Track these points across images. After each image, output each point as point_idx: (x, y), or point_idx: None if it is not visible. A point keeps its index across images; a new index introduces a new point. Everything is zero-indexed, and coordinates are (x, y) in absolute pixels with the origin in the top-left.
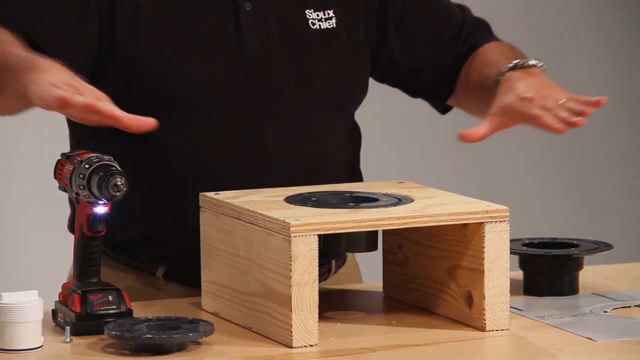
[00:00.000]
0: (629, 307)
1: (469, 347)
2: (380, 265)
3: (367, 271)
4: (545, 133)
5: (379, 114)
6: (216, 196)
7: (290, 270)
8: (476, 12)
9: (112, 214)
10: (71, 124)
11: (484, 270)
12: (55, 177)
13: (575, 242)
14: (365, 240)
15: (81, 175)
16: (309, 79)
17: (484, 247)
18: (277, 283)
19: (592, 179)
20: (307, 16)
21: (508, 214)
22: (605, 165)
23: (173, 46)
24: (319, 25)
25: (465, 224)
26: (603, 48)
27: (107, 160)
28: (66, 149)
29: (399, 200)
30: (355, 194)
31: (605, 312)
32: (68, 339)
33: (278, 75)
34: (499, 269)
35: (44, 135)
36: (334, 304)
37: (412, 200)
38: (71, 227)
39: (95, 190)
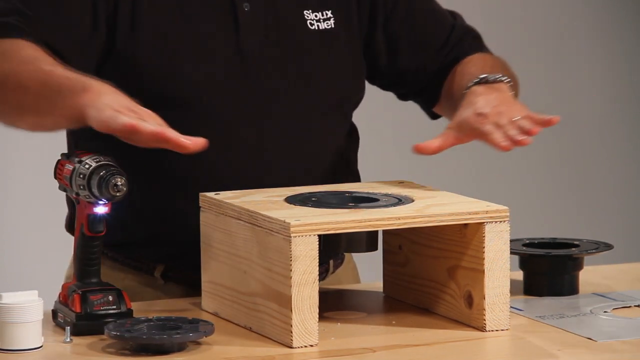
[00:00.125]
0: (629, 307)
1: (469, 347)
2: (380, 265)
3: (367, 271)
4: (546, 133)
5: (379, 114)
6: (216, 196)
7: (291, 270)
8: (476, 12)
9: (111, 214)
10: None
11: (484, 270)
12: (55, 177)
13: (575, 242)
14: (365, 240)
15: (81, 175)
16: (308, 79)
17: (484, 247)
18: (277, 283)
19: (592, 179)
20: (306, 17)
21: (508, 214)
22: (605, 165)
23: (173, 46)
24: (317, 25)
25: (466, 224)
26: (603, 48)
27: (107, 160)
28: (66, 148)
29: (399, 200)
30: (355, 194)
31: (605, 312)
32: (68, 339)
33: (277, 75)
34: (499, 269)
35: (44, 135)
36: (334, 304)
37: (412, 200)
38: (69, 227)
39: (95, 190)
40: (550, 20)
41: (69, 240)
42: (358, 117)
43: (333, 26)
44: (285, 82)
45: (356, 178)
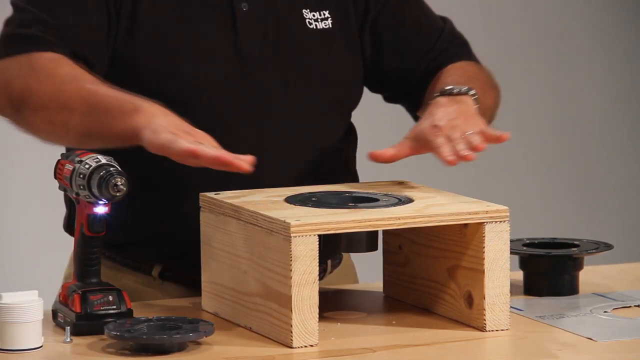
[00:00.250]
0: (629, 307)
1: (469, 347)
2: (380, 265)
3: (367, 271)
4: (546, 133)
5: (378, 113)
6: (216, 196)
7: (291, 270)
8: (476, 12)
9: (111, 214)
10: None
11: (484, 271)
12: (55, 177)
13: (575, 242)
14: (365, 241)
15: (81, 175)
16: (308, 79)
17: (484, 247)
18: (277, 283)
19: (592, 179)
20: (304, 16)
21: (508, 214)
22: (605, 165)
23: (173, 46)
24: (315, 25)
25: (466, 224)
26: (603, 48)
27: (107, 161)
28: (66, 148)
29: (399, 200)
30: (355, 194)
31: (605, 312)
32: (68, 339)
33: (276, 75)
34: (499, 269)
35: None
36: (334, 304)
37: (412, 200)
38: (67, 228)
39: (95, 191)
40: (550, 20)
41: (69, 240)
42: (356, 116)
43: (330, 26)
44: (284, 82)
45: (354, 178)
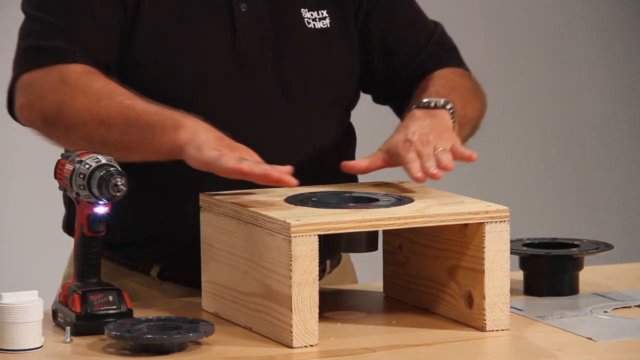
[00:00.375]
0: (629, 307)
1: (469, 347)
2: (380, 265)
3: (367, 271)
4: (546, 133)
5: (379, 113)
6: (216, 196)
7: (291, 270)
8: (476, 12)
9: (111, 214)
10: None
11: (484, 271)
12: (56, 177)
13: (575, 242)
14: (366, 240)
15: (81, 175)
16: (307, 79)
17: (484, 247)
18: (277, 283)
19: (592, 179)
20: (303, 15)
21: (508, 214)
22: (605, 165)
23: (173, 46)
24: (314, 25)
25: (466, 224)
26: (603, 48)
27: (107, 160)
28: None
29: (399, 200)
30: (355, 194)
31: (605, 312)
32: (68, 339)
33: (276, 75)
34: (499, 269)
35: None
36: (334, 304)
37: (412, 200)
38: (66, 228)
39: (95, 191)
40: (550, 20)
41: (69, 240)
42: (356, 116)
43: (329, 25)
44: (283, 82)
45: (354, 177)
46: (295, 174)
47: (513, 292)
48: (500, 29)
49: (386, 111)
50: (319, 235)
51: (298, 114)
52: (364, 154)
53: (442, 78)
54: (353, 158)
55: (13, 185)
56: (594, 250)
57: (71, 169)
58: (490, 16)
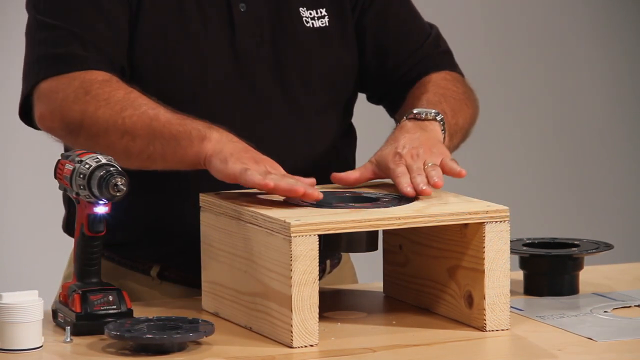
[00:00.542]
0: (629, 307)
1: (469, 347)
2: (380, 265)
3: (367, 271)
4: (546, 133)
5: (379, 114)
6: (216, 196)
7: (291, 270)
8: (476, 12)
9: (110, 214)
10: None
11: (484, 270)
12: (56, 177)
13: (575, 242)
14: (366, 240)
15: (81, 175)
16: (306, 78)
17: (484, 247)
18: (277, 283)
19: (592, 179)
20: (302, 14)
21: (508, 214)
22: (605, 165)
23: (172, 46)
24: (312, 24)
25: (466, 224)
26: (603, 48)
27: (107, 160)
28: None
29: (399, 200)
30: (355, 194)
31: (605, 312)
32: (68, 339)
33: (275, 75)
34: (499, 269)
35: (44, 136)
36: (334, 304)
37: (412, 200)
38: (66, 228)
39: (95, 190)
40: (550, 21)
41: (69, 241)
42: (356, 116)
43: (327, 24)
44: (283, 82)
45: None
46: (294, 174)
47: (513, 292)
48: (500, 29)
49: (386, 111)
50: (319, 235)
51: (297, 113)
52: (364, 154)
53: (435, 85)
54: (353, 158)
55: (13, 185)
56: (594, 250)
57: (71, 168)
58: (490, 16)
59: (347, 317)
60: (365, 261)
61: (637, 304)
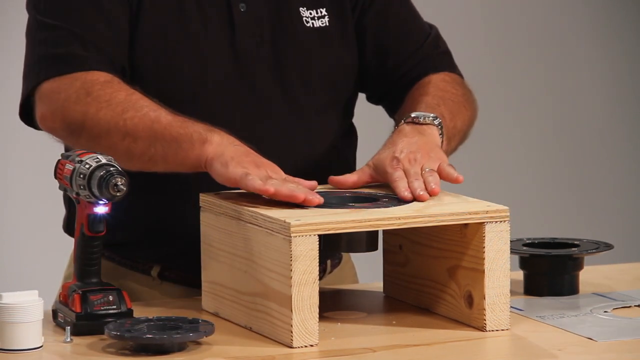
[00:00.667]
0: (629, 307)
1: (469, 347)
2: (380, 265)
3: (367, 271)
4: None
5: (379, 114)
6: (216, 196)
7: (291, 270)
8: (476, 12)
9: (110, 214)
10: None
11: (484, 270)
12: (56, 177)
13: (575, 242)
14: (366, 240)
15: (81, 175)
16: (306, 78)
17: (484, 247)
18: (277, 283)
19: (592, 179)
20: (302, 14)
21: (508, 214)
22: (605, 165)
23: (172, 46)
24: (312, 23)
25: (466, 224)
26: (603, 48)
27: (107, 160)
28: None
29: (399, 201)
30: (355, 194)
31: (605, 312)
32: (68, 339)
33: (275, 75)
34: (499, 269)
35: (44, 135)
36: (334, 304)
37: (412, 200)
38: (66, 228)
39: (95, 190)
40: (550, 21)
41: (69, 241)
42: (356, 116)
43: (327, 24)
44: (283, 82)
45: None
46: (295, 173)
47: (513, 292)
48: (500, 29)
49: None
50: (319, 235)
51: (298, 113)
52: (365, 155)
53: (433, 87)
54: (354, 159)
55: (13, 185)
56: (594, 250)
57: (71, 168)
58: (490, 16)
59: (347, 317)
60: (366, 261)
61: (637, 304)
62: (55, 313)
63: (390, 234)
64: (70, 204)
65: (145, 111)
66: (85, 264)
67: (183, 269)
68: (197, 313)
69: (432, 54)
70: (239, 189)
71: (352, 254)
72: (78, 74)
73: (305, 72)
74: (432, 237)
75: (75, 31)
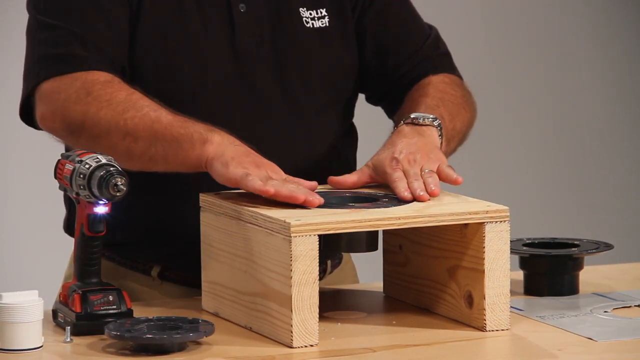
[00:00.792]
0: (629, 307)
1: (469, 347)
2: (380, 265)
3: (367, 271)
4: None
5: (379, 114)
6: (216, 196)
7: (291, 270)
8: (476, 12)
9: (110, 214)
10: None
11: (484, 270)
12: (56, 177)
13: (575, 242)
14: (366, 240)
15: (81, 175)
16: (306, 79)
17: (484, 247)
18: (277, 283)
19: (592, 179)
20: (302, 14)
21: (508, 214)
22: (605, 165)
23: (172, 46)
24: (312, 24)
25: (466, 224)
26: (603, 48)
27: (107, 160)
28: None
29: (399, 201)
30: (355, 194)
31: (605, 312)
32: (68, 339)
33: (275, 75)
34: (499, 269)
35: (44, 135)
36: (334, 304)
37: (412, 200)
38: (67, 229)
39: (95, 190)
40: (550, 21)
41: (69, 241)
42: (356, 116)
43: (327, 24)
44: (283, 82)
45: None
46: (295, 173)
47: (513, 292)
48: (500, 29)
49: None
50: (319, 235)
51: (298, 113)
52: (365, 155)
53: (433, 88)
54: (354, 159)
55: (13, 185)
56: (594, 250)
57: (71, 168)
58: (490, 16)
59: (347, 317)
60: (366, 261)
61: (637, 304)
62: (55, 313)
63: (390, 234)
64: (70, 204)
65: (145, 111)
66: (85, 264)
67: (183, 269)
68: (197, 313)
69: (432, 55)
70: (239, 189)
71: (352, 254)
72: (78, 74)
73: (305, 72)
74: (432, 237)
75: (75, 31)
